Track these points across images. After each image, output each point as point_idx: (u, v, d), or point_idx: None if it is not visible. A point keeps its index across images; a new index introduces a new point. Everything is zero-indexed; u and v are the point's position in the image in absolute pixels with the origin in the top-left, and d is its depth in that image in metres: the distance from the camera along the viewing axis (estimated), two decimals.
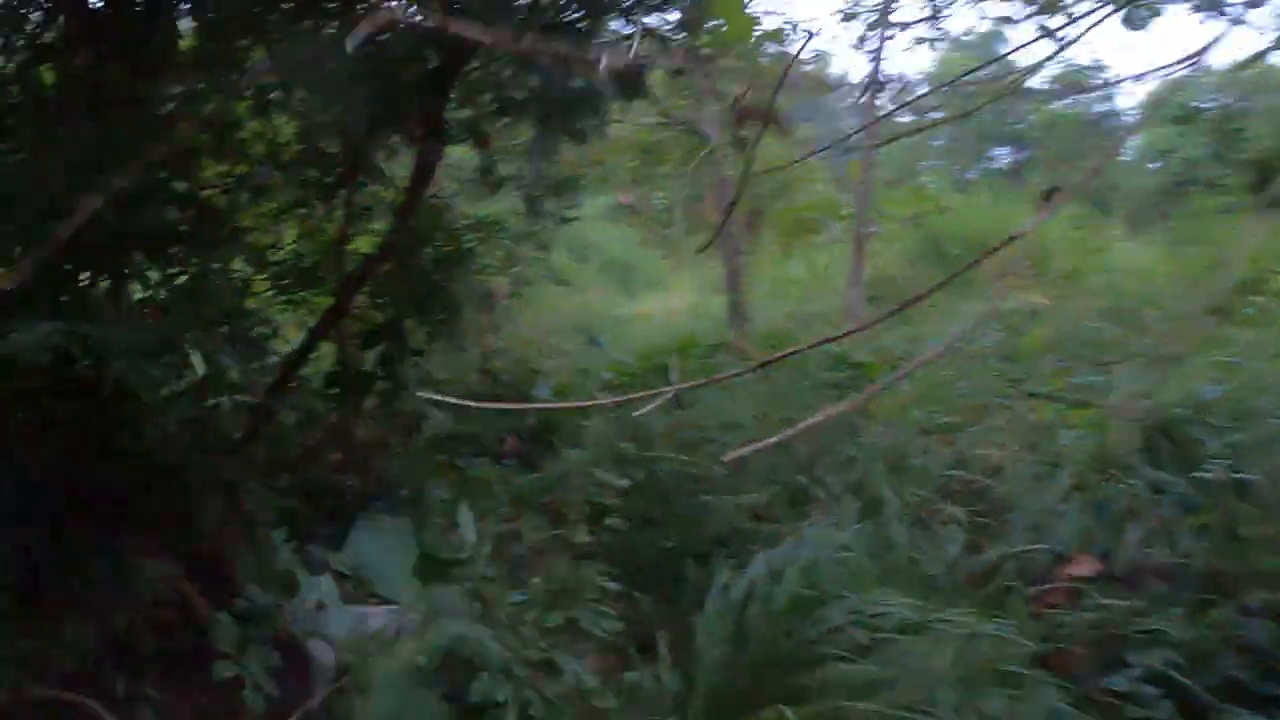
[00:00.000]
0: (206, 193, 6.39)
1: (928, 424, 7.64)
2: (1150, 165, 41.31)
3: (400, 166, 7.43)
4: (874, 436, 7.33)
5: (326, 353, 7.49)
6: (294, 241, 7.64)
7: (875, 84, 12.82)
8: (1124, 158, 45.12)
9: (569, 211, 9.39)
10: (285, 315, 7.50)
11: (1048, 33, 9.56)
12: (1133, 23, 11.99)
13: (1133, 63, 67.31)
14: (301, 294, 7.29)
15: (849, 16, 12.29)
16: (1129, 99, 46.97)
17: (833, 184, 18.97)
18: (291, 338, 7.17)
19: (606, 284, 22.32)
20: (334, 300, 6.76)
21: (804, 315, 15.06)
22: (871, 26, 12.59)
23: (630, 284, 23.07)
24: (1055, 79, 46.23)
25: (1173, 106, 43.61)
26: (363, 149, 6.94)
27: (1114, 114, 46.10)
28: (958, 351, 9.77)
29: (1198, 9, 11.89)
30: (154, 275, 5.54)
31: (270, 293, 7.22)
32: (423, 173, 6.57)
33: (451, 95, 6.42)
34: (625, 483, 7.10)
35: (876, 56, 12.58)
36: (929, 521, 6.30)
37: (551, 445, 8.33)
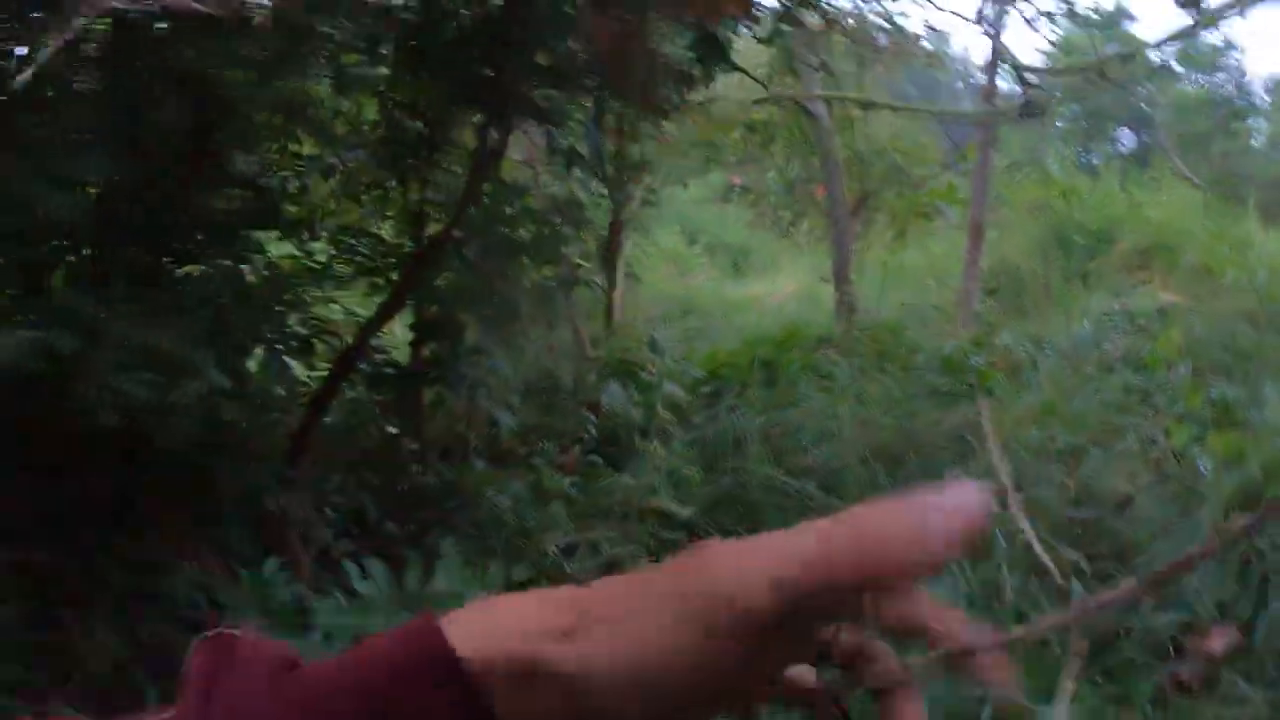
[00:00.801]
0: (277, 175, 6.03)
1: (1048, 445, 6.83)
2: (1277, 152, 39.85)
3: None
4: (986, 459, 6.58)
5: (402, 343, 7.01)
6: (362, 223, 7.13)
7: (996, 60, 12.02)
8: (1254, 143, 43.62)
9: (650, 194, 8.73)
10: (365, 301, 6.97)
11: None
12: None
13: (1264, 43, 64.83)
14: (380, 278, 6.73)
15: None
16: (1262, 82, 44.99)
17: (950, 169, 18.17)
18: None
19: (715, 267, 21.79)
20: (390, 291, 6.21)
21: (917, 307, 14.33)
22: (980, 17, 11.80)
23: (739, 267, 22.52)
24: (1184, 58, 44.91)
25: None
26: (441, 126, 6.49)
27: (1246, 95, 44.57)
28: (1083, 358, 9.05)
29: None
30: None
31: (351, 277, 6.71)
32: (488, 151, 6.01)
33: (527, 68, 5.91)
34: (688, 512, 6.41)
35: (996, 30, 11.79)
36: (1044, 567, 5.60)
37: (616, 462, 7.61)
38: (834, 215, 12.22)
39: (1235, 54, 44.61)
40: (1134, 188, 17.42)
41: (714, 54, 5.95)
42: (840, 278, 12.17)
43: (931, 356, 9.03)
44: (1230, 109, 43.74)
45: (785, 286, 17.69)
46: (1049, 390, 7.62)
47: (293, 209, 6.22)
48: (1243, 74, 44.74)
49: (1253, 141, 43.37)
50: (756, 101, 13.12)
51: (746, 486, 6.69)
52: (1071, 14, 12.55)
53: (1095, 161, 33.36)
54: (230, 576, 5.00)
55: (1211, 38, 44.32)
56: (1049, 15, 12.27)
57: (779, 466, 6.86)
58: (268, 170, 6.07)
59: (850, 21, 13.39)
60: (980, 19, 11.48)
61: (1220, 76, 44.78)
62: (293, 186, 6.31)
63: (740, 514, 6.49)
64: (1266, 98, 45.09)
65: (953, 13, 11.67)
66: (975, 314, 11.98)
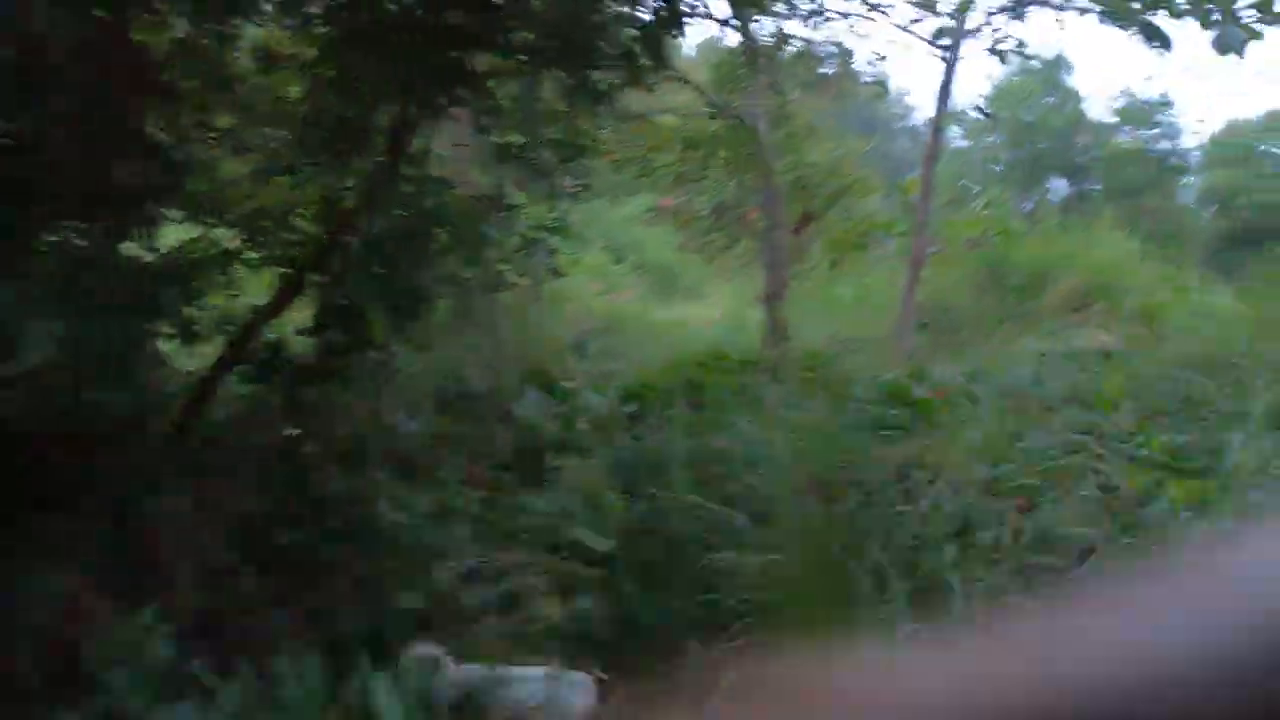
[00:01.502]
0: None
1: (999, 484, 6.31)
2: (1210, 208, 40.14)
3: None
4: (933, 495, 6.06)
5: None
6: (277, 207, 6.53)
7: (945, 94, 11.66)
8: (1184, 199, 43.96)
9: (578, 185, 8.19)
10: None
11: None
12: (1226, 45, 10.81)
13: (1200, 100, 65.82)
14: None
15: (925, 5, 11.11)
16: (1194, 138, 45.45)
17: (888, 200, 17.82)
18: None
19: (642, 287, 21.31)
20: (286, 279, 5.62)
21: (849, 338, 13.92)
22: (939, 35, 11.43)
23: (668, 289, 22.05)
24: (1120, 111, 45.22)
25: (1235, 147, 42.45)
26: (369, 109, 5.97)
27: (1178, 152, 44.92)
28: (1025, 394, 8.63)
29: None
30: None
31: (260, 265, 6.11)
32: (404, 134, 5.49)
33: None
34: (606, 546, 5.84)
35: (950, 62, 11.43)
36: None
37: (529, 479, 6.97)
38: (769, 238, 11.76)
39: (1171, 111, 44.97)
40: (1072, 232, 17.16)
41: (673, 22, 5.47)
42: (773, 302, 11.71)
43: (868, 387, 8.54)
44: (1163, 164, 44.08)
45: (713, 310, 17.21)
46: (994, 426, 7.13)
47: (203, 187, 5.64)
48: (1177, 131, 45.07)
49: (1183, 197, 43.72)
50: (714, 114, 12.66)
51: (670, 516, 6.15)
52: (1022, 51, 12.21)
53: (1028, 208, 33.24)
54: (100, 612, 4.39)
55: (1149, 93, 44.71)
56: (999, 53, 11.97)
57: (706, 495, 6.33)
58: (183, 142, 5.52)
59: (800, 42, 13.05)
60: (939, 38, 11.13)
61: (1154, 132, 45.10)
62: (204, 160, 5.74)
63: (664, 546, 5.95)
64: (1197, 154, 45.44)
65: (909, 30, 11.27)
66: (909, 347, 11.56)
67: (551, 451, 7.28)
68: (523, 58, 5.58)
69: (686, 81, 12.27)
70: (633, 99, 12.36)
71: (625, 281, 20.79)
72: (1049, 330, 12.87)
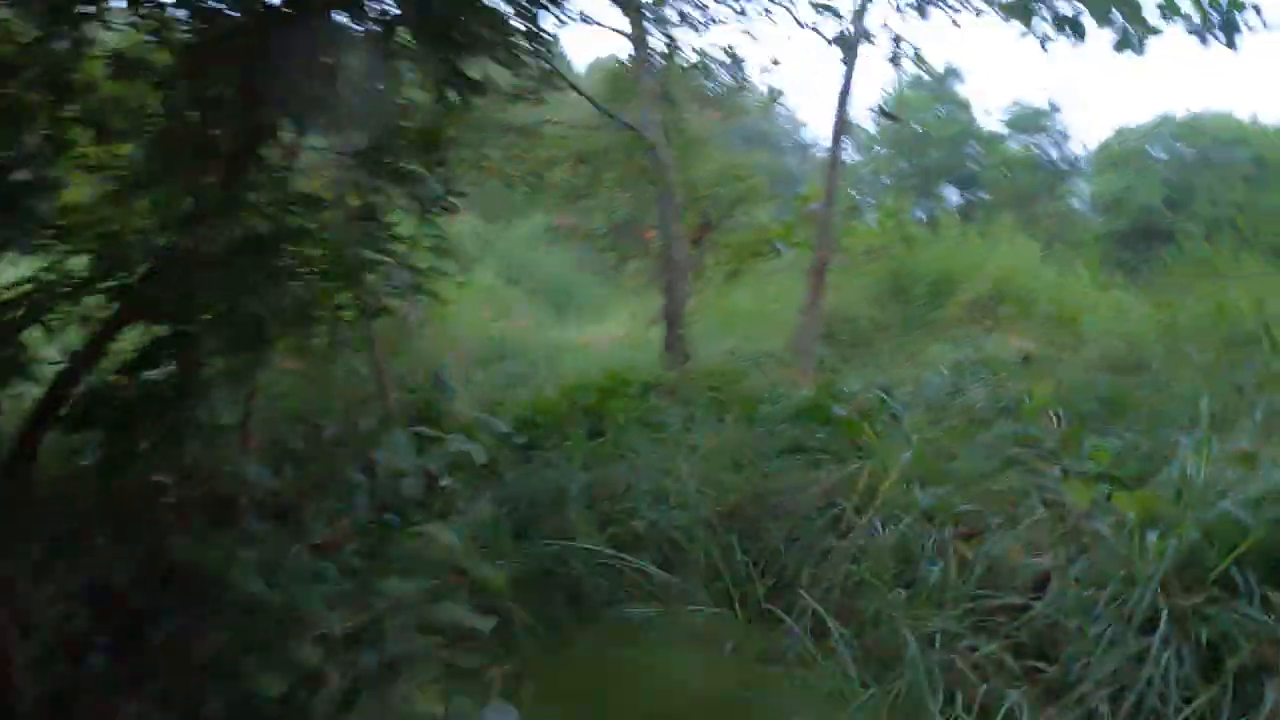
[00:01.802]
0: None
1: (937, 509, 5.69)
2: (1101, 212, 40.32)
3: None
4: (867, 526, 5.42)
5: None
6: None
7: (845, 96, 11.14)
8: (1075, 203, 44.20)
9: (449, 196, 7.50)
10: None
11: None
12: (1125, 43, 10.43)
13: (1088, 108, 66.70)
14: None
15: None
16: (1081, 145, 45.70)
17: (783, 210, 17.32)
18: None
19: (537, 309, 20.66)
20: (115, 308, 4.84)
21: (751, 353, 13.36)
22: (840, 38, 10.96)
23: (563, 310, 21.43)
24: (1011, 120, 45.39)
25: (1124, 154, 42.75)
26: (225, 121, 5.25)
27: (1068, 158, 45.17)
28: (946, 407, 8.10)
29: (1195, 33, 10.50)
30: None
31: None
32: (250, 141, 4.81)
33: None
34: (490, 623, 5.04)
35: (850, 64, 10.93)
36: (966, 673, 4.43)
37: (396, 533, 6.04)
38: (667, 254, 11.16)
39: (1060, 118, 45.24)
40: (972, 239, 16.72)
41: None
42: (672, 319, 11.11)
43: (779, 405, 7.94)
44: (1053, 170, 44.30)
45: (611, 331, 16.59)
46: (923, 445, 6.53)
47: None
48: (1066, 137, 45.34)
49: (1074, 202, 43.94)
50: (607, 127, 12.04)
51: (568, 559, 5.51)
52: (919, 59, 11.79)
53: (921, 217, 33.09)
54: None
55: (1038, 101, 44.94)
56: (896, 59, 11.56)
57: (608, 533, 5.71)
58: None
59: (693, 51, 12.56)
60: (842, 38, 10.65)
61: (1044, 139, 45.35)
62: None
63: (563, 591, 5.30)
64: (1086, 161, 45.77)
65: (810, 27, 10.76)
66: (814, 360, 11.01)
67: (414, 506, 6.47)
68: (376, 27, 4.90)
69: (577, 91, 11.67)
70: (521, 112, 11.78)
71: (521, 304, 20.15)
72: (958, 337, 12.40)
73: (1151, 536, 4.92)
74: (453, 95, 5.34)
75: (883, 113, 10.97)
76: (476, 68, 5.68)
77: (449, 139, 6.35)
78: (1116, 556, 4.88)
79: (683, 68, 13.16)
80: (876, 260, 14.84)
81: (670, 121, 12.57)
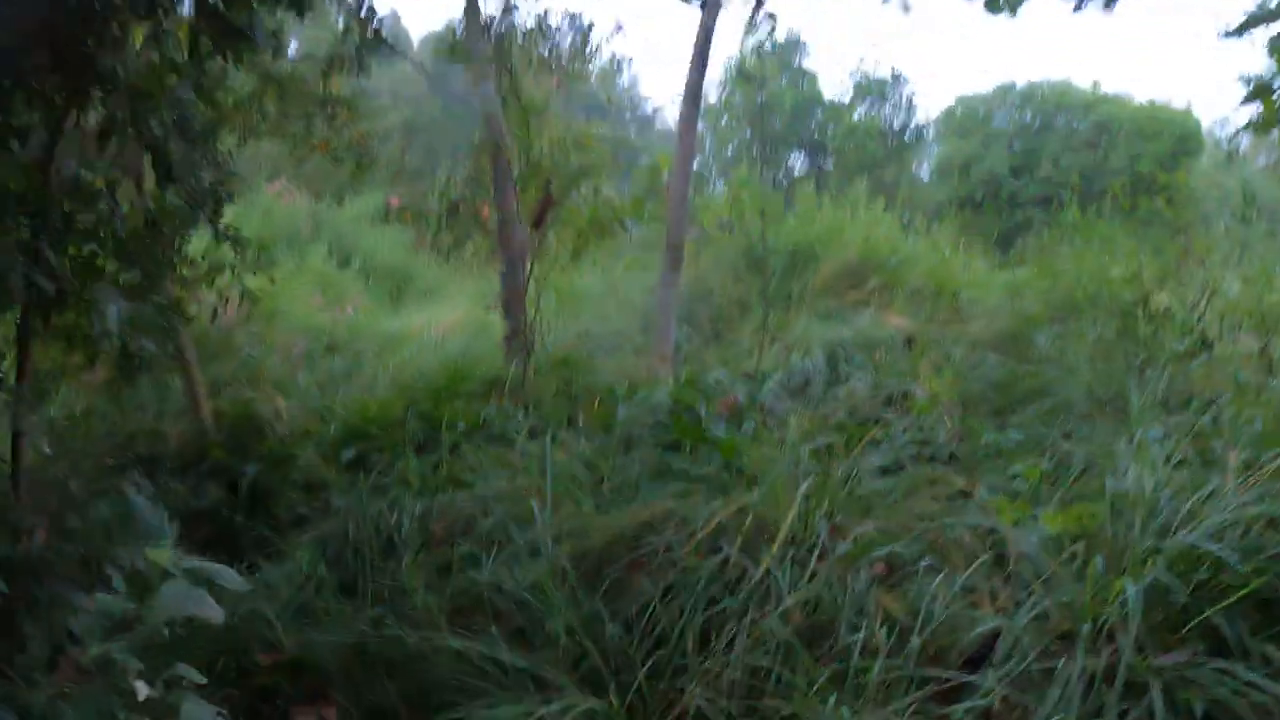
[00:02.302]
0: None
1: (853, 553, 4.51)
2: (946, 179, 40.11)
3: None
4: (765, 575, 4.30)
5: None
6: None
7: (702, 58, 10.09)
8: (920, 170, 44.04)
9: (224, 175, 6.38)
10: None
11: None
12: (997, 5, 9.62)
13: (932, 74, 66.99)
14: None
15: None
16: (926, 111, 45.66)
17: (628, 184, 16.21)
18: None
19: (372, 294, 19.39)
20: None
21: (602, 337, 12.30)
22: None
23: (399, 294, 20.19)
24: (855, 88, 45.00)
25: (967, 121, 42.64)
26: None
27: (912, 126, 44.99)
28: (831, 401, 7.15)
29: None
30: None
31: None
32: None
33: None
34: None
35: (709, 25, 9.88)
36: None
37: None
38: (504, 233, 10.03)
39: (904, 86, 45.08)
40: (828, 208, 15.73)
41: None
42: (512, 306, 10.00)
43: (638, 407, 6.89)
44: (899, 139, 44.14)
45: (449, 317, 15.39)
46: (813, 458, 5.51)
47: None
48: (911, 106, 45.21)
49: (920, 169, 43.80)
50: (437, 96, 10.89)
51: (403, 633, 4.38)
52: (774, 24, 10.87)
53: (766, 186, 32.42)
54: None
55: (882, 70, 44.68)
56: (752, 20, 10.64)
57: (449, 589, 4.61)
58: None
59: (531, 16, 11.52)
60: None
61: (889, 108, 45.13)
62: None
63: (399, 678, 4.19)
64: (930, 129, 45.68)
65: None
66: (671, 345, 9.99)
67: None
68: None
69: (398, 53, 10.50)
70: (345, 84, 10.52)
71: (353, 289, 18.85)
72: (827, 313, 11.51)
73: (1102, 568, 3.97)
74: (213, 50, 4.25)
75: (741, 73, 9.83)
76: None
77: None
78: (1073, 603, 3.89)
79: (521, 31, 12.07)
80: (729, 233, 13.79)
81: (508, 90, 11.42)
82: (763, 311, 11.52)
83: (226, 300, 8.51)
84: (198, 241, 7.62)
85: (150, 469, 8.00)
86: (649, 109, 74.24)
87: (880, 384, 7.78)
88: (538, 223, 9.85)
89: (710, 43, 9.93)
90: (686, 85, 10.03)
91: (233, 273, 8.17)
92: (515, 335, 9.82)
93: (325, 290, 17.75)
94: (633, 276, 14.48)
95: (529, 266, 9.88)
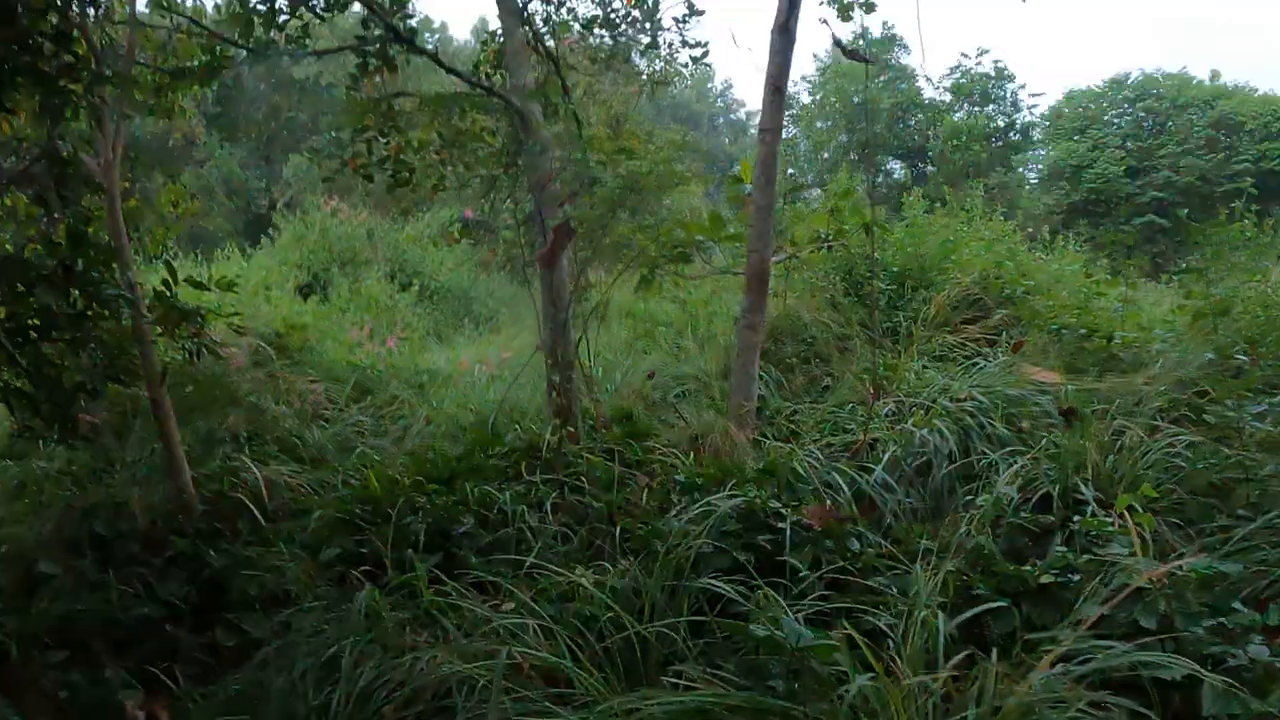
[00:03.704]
0: None
1: None
2: (1057, 184, 37.71)
3: None
4: None
5: None
6: None
7: (788, 35, 8.07)
8: (1029, 173, 41.66)
9: None
10: None
11: None
12: None
13: (1038, 69, 64.48)
14: None
15: None
16: (1035, 111, 43.18)
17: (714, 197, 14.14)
18: None
19: (430, 320, 17.68)
20: None
21: (676, 378, 10.33)
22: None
23: (461, 320, 18.49)
24: (955, 87, 42.65)
25: (1078, 120, 40.21)
26: None
27: (1017, 126, 42.62)
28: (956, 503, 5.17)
29: None
30: None
31: None
32: None
33: None
34: None
35: (793, 6, 7.85)
36: None
37: None
38: (546, 259, 8.14)
39: (1008, 84, 42.79)
40: (940, 221, 13.40)
41: None
42: (556, 351, 8.13)
43: (699, 523, 4.97)
44: (1005, 141, 41.80)
45: (504, 350, 13.50)
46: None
47: None
48: (1016, 104, 42.88)
49: (1027, 173, 41.47)
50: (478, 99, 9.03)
51: None
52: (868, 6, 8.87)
53: (859, 193, 30.44)
54: None
55: (984, 67, 42.35)
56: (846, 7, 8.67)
57: None
58: None
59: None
60: None
61: (992, 108, 42.79)
62: None
63: None
64: (1038, 128, 43.36)
65: None
66: (753, 400, 8.01)
67: None
68: None
69: (423, 53, 8.67)
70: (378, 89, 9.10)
71: (407, 316, 17.13)
72: (943, 352, 9.46)
73: None
74: None
75: (844, 50, 7.77)
76: None
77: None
78: None
79: (572, 23, 10.33)
80: (827, 250, 11.62)
81: (552, 88, 9.56)
82: (870, 360, 9.56)
83: (200, 342, 7.36)
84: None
85: (104, 553, 6.68)
86: (744, 114, 72.18)
87: (1033, 478, 5.78)
88: (549, 260, 7.96)
89: (795, 12, 7.93)
90: (768, 73, 8.03)
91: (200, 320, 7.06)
92: (560, 386, 7.93)
93: (378, 317, 16.09)
94: (717, 299, 12.54)
95: (572, 298, 8.03)
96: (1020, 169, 41.23)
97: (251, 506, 7.11)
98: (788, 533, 4.88)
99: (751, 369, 7.97)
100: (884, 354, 9.70)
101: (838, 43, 7.48)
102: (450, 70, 8.69)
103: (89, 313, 6.05)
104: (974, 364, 8.65)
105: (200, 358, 7.49)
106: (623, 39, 11.09)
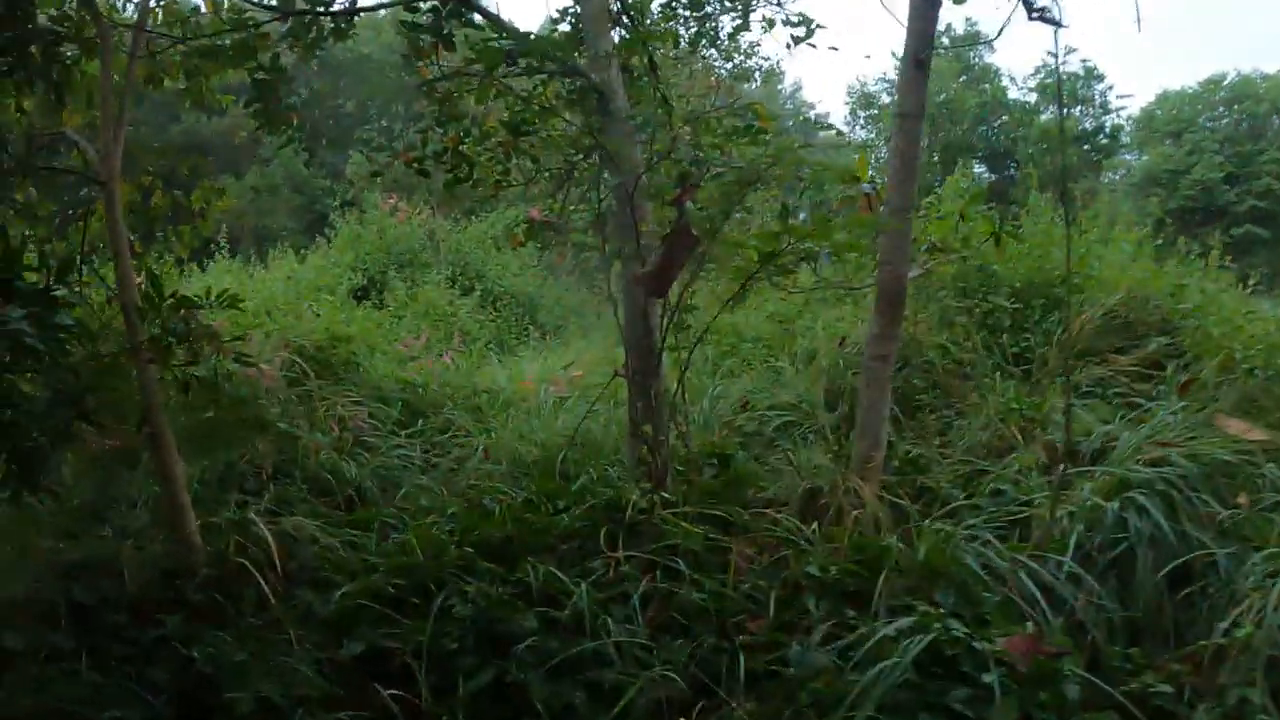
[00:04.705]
0: None
1: None
2: (1150, 190, 35.94)
3: None
4: None
5: None
6: None
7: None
8: (1121, 177, 39.99)
9: None
10: None
11: None
12: None
13: (1128, 68, 62.46)
14: None
15: None
16: (1123, 114, 41.47)
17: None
18: None
19: (493, 328, 16.37)
20: None
21: (773, 409, 8.84)
22: None
23: (525, 328, 17.16)
24: (1042, 87, 40.93)
25: (1172, 123, 38.47)
26: None
27: (1108, 129, 40.94)
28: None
29: None
30: None
31: None
32: None
33: None
34: None
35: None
36: None
37: None
38: (629, 267, 6.71)
39: (1097, 85, 41.07)
40: (1059, 229, 11.75)
41: None
42: (641, 382, 6.69)
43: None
44: (1096, 144, 40.08)
45: (574, 366, 12.02)
46: None
47: None
48: (1105, 107, 41.15)
49: (1120, 176, 39.83)
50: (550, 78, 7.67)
51: None
52: None
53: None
54: None
55: (1072, 66, 40.63)
56: None
57: None
58: None
59: None
60: None
61: (1080, 110, 41.10)
62: None
63: None
64: (1128, 131, 41.65)
65: None
66: (880, 446, 6.52)
67: None
68: None
69: (497, 23, 7.34)
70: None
71: (467, 324, 15.82)
72: (1095, 392, 7.96)
73: None
74: None
75: (1030, 10, 6.25)
76: None
77: None
78: None
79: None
80: (946, 266, 10.07)
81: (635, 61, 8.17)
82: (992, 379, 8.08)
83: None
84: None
85: (83, 624, 5.45)
86: (812, 115, 70.62)
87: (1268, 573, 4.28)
88: (659, 281, 6.42)
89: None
90: (906, 45, 6.53)
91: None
92: (642, 434, 6.45)
93: (435, 325, 14.77)
94: (810, 312, 11.01)
95: (664, 328, 6.60)
96: (1112, 174, 39.62)
97: (260, 579, 5.78)
98: (995, 685, 3.41)
99: (882, 409, 6.49)
100: (1016, 384, 8.29)
101: (1027, 3, 6.00)
102: (515, 35, 7.27)
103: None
104: (1138, 406, 7.16)
105: (218, 378, 6.83)
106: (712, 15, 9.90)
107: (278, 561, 5.91)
